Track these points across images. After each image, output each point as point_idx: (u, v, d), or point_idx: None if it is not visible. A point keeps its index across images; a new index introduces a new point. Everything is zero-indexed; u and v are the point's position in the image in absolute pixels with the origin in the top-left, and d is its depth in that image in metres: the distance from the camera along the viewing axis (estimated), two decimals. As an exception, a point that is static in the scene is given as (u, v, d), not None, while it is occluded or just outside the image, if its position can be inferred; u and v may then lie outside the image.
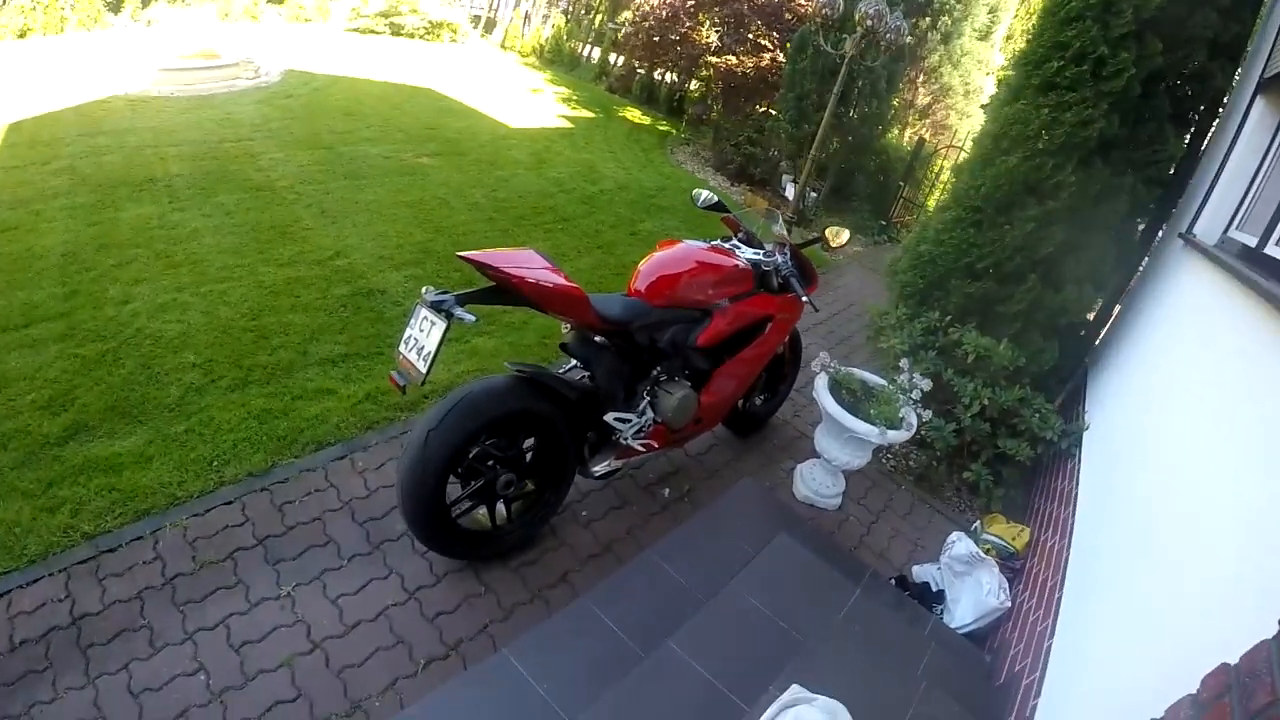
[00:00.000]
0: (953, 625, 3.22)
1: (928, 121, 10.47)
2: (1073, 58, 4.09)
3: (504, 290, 2.48)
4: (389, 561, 2.90)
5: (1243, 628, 1.43)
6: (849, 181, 9.52)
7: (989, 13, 9.70)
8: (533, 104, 11.58)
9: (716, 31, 10.40)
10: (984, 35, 9.91)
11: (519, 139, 9.33)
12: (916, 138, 9.96)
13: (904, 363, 3.61)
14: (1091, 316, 5.06)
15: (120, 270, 4.59)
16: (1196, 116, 4.53)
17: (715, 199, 3.59)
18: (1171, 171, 4.52)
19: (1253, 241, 3.36)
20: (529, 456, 2.92)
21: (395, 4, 14.90)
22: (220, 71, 9.53)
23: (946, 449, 4.20)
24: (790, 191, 8.80)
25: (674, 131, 11.65)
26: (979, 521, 3.89)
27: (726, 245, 3.48)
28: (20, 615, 2.47)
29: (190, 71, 9.30)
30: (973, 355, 4.22)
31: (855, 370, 3.71)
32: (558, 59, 15.47)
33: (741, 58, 9.97)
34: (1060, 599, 2.90)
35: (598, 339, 2.92)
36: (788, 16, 9.68)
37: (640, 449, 3.16)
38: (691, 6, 10.12)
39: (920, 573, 3.53)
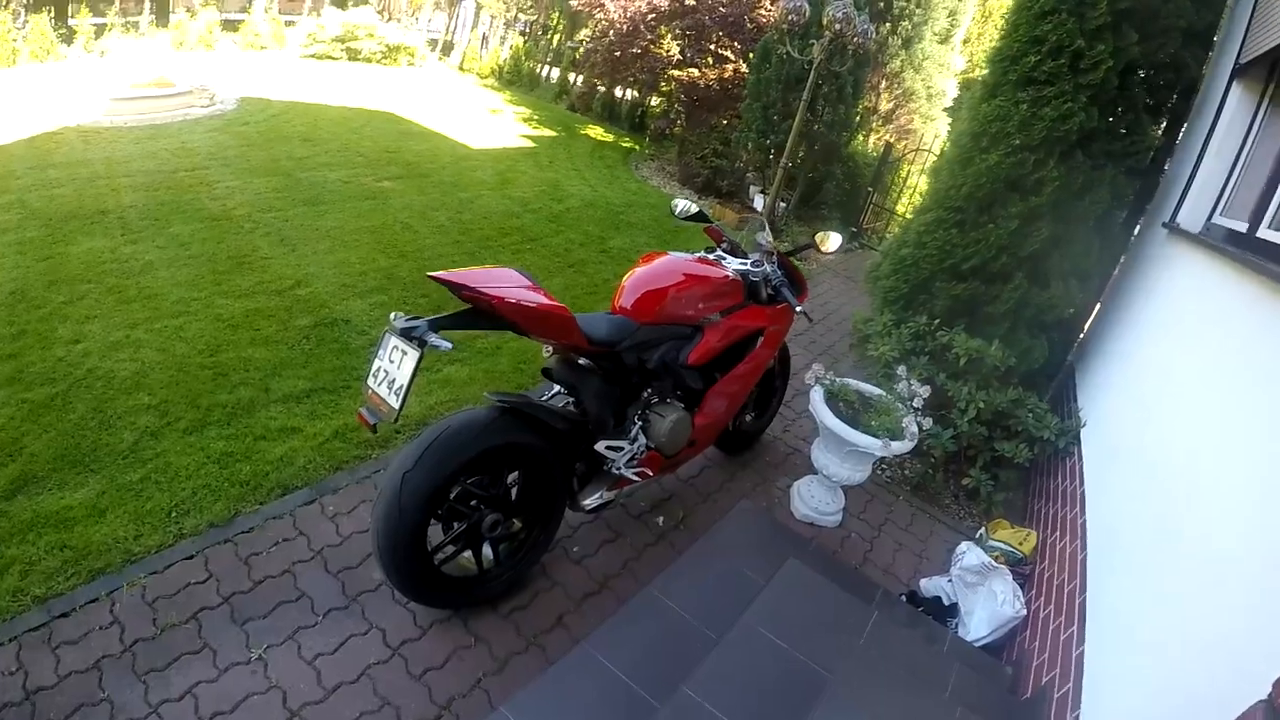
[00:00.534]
0: (969, 638, 3.10)
1: (891, 127, 10.49)
2: (1050, 51, 4.01)
3: (481, 313, 2.28)
4: (368, 615, 2.66)
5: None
6: (817, 190, 9.46)
7: (948, 16, 9.76)
8: (494, 124, 11.43)
9: (678, 44, 10.32)
10: (944, 39, 9.97)
11: (482, 160, 9.16)
12: (883, 143, 9.95)
13: (901, 370, 3.47)
14: (1072, 311, 4.98)
15: (71, 307, 4.33)
16: (1171, 105, 4.49)
17: (695, 208, 3.41)
18: (1149, 161, 4.48)
19: (1240, 227, 3.32)
20: (514, 492, 2.71)
21: (352, 29, 14.69)
22: (174, 100, 9.30)
23: (944, 456, 4.07)
24: (759, 203, 8.62)
25: (637, 147, 11.57)
26: (983, 529, 3.76)
27: (712, 256, 3.32)
28: (-35, 694, 2.20)
29: (143, 100, 9.05)
30: (964, 358, 4.10)
31: (850, 381, 3.56)
32: (517, 79, 15.42)
33: (704, 70, 9.90)
34: (1084, 604, 2.76)
35: (582, 362, 2.72)
36: (749, 26, 9.63)
37: (634, 478, 2.96)
38: (652, 19, 10.03)
39: (929, 586, 3.38)
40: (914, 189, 9.72)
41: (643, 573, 3.07)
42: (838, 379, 3.52)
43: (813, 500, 3.62)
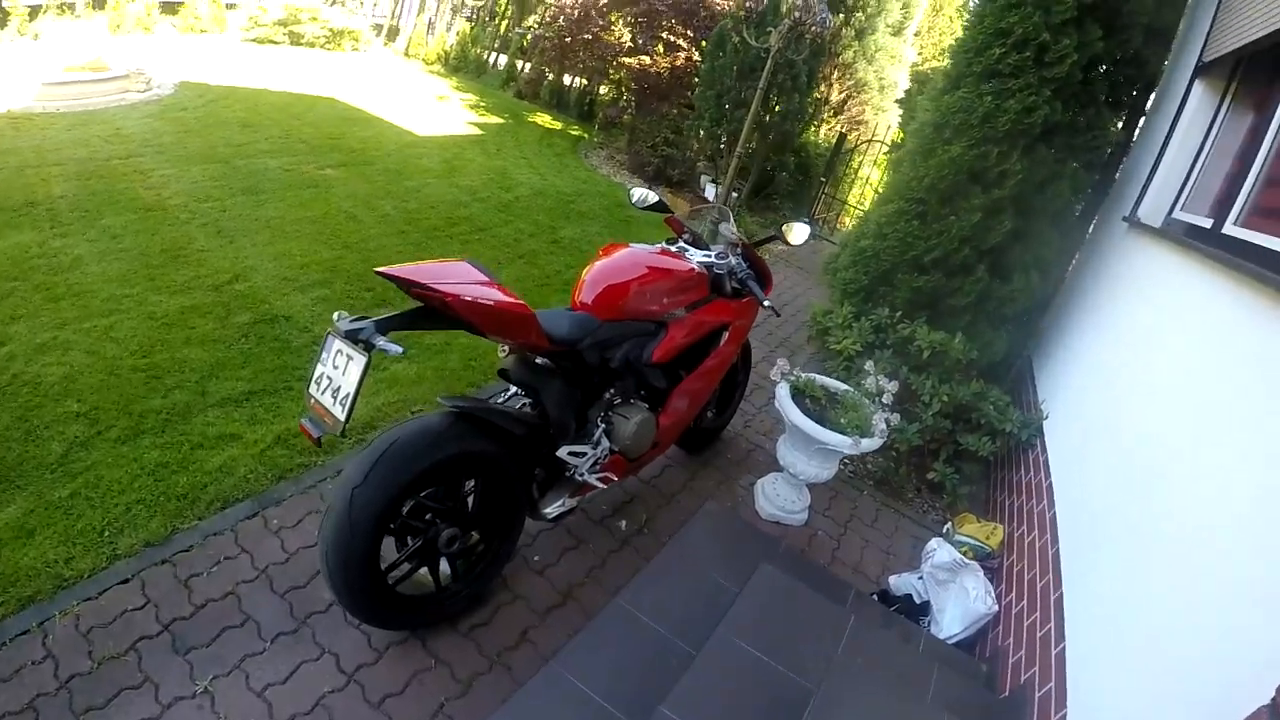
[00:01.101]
0: (942, 636, 3.06)
1: (843, 118, 10.47)
2: (1015, 44, 4.00)
3: (433, 311, 2.10)
4: (319, 639, 2.47)
5: None
6: (769, 180, 9.41)
7: (902, 8, 9.77)
8: (440, 111, 11.12)
9: (629, 31, 10.16)
10: (897, 31, 9.98)
11: (428, 147, 8.87)
12: (836, 134, 9.94)
13: (869, 365, 3.39)
14: (1031, 303, 5.01)
15: None
16: (1131, 100, 4.52)
17: (655, 198, 3.26)
18: (1108, 156, 4.51)
19: (1203, 222, 3.34)
20: (471, 503, 2.54)
21: (294, 12, 14.11)
22: (109, 85, 8.84)
23: (907, 450, 4.03)
24: (710, 192, 8.60)
25: (586, 135, 11.39)
26: (950, 523, 3.73)
27: (674, 249, 3.17)
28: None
29: (77, 85, 8.60)
30: (927, 351, 4.07)
31: (816, 376, 3.47)
32: (463, 66, 15.09)
33: (655, 57, 9.76)
34: (1060, 600, 2.74)
35: (540, 361, 2.56)
36: (702, 14, 9.51)
37: (598, 484, 2.82)
38: (604, 5, 9.84)
39: (899, 584, 3.33)
40: (865, 180, 9.75)
41: (609, 581, 2.94)
42: (803, 374, 3.43)
43: (778, 499, 3.53)
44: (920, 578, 3.28)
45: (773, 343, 5.65)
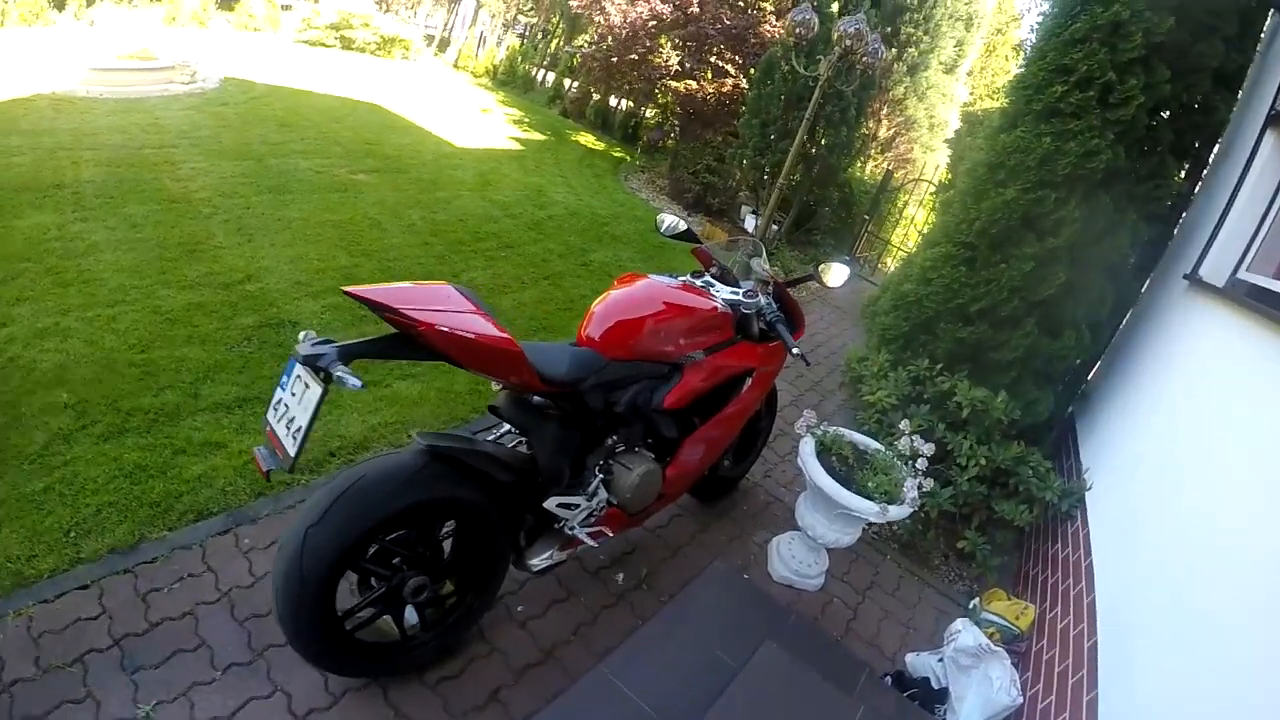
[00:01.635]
0: (958, 728, 2.73)
1: (890, 155, 10.21)
2: (1078, 82, 3.71)
3: (408, 340, 1.88)
4: (274, 674, 2.27)
5: None
6: (811, 215, 9.14)
7: (956, 46, 9.50)
8: (482, 124, 11.09)
9: (677, 54, 10.03)
10: (950, 68, 9.71)
11: (464, 159, 8.78)
12: (884, 171, 9.66)
13: (903, 424, 3.09)
14: (1079, 361, 4.67)
15: (2, 287, 3.97)
16: (1196, 150, 4.20)
17: (683, 226, 3.01)
18: (1169, 208, 4.19)
19: (1270, 284, 3.08)
20: (448, 547, 2.31)
21: (347, 17, 14.33)
22: (154, 74, 9.02)
23: (938, 514, 3.71)
24: (751, 223, 8.37)
25: (628, 158, 11.26)
26: (977, 599, 3.40)
27: (698, 283, 2.89)
28: None
29: (123, 73, 8.79)
30: (967, 408, 3.76)
31: (845, 432, 3.17)
32: (511, 81, 15.15)
33: (702, 82, 9.60)
34: (1095, 701, 2.42)
35: (537, 400, 2.33)
36: (752, 40, 9.33)
37: (588, 541, 2.54)
38: (653, 27, 9.73)
39: (917, 664, 3.02)
40: (910, 220, 9.45)
41: (597, 641, 2.67)
42: (831, 429, 3.14)
43: (794, 561, 3.24)
44: (940, 660, 2.96)
45: (803, 385, 5.36)
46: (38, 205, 5.00)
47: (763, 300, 2.83)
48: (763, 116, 8.13)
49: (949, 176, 9.21)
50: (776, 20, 9.27)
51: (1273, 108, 3.70)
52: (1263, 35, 4.19)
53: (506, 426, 2.44)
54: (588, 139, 11.89)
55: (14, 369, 3.36)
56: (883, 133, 10.00)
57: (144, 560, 2.56)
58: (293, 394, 1.83)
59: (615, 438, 2.54)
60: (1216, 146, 4.37)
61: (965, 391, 3.79)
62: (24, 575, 2.41)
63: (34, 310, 3.82)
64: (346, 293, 1.77)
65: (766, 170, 8.33)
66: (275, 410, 1.88)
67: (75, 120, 6.97)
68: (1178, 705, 2.02)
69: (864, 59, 6.54)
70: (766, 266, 2.97)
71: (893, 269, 8.09)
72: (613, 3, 9.96)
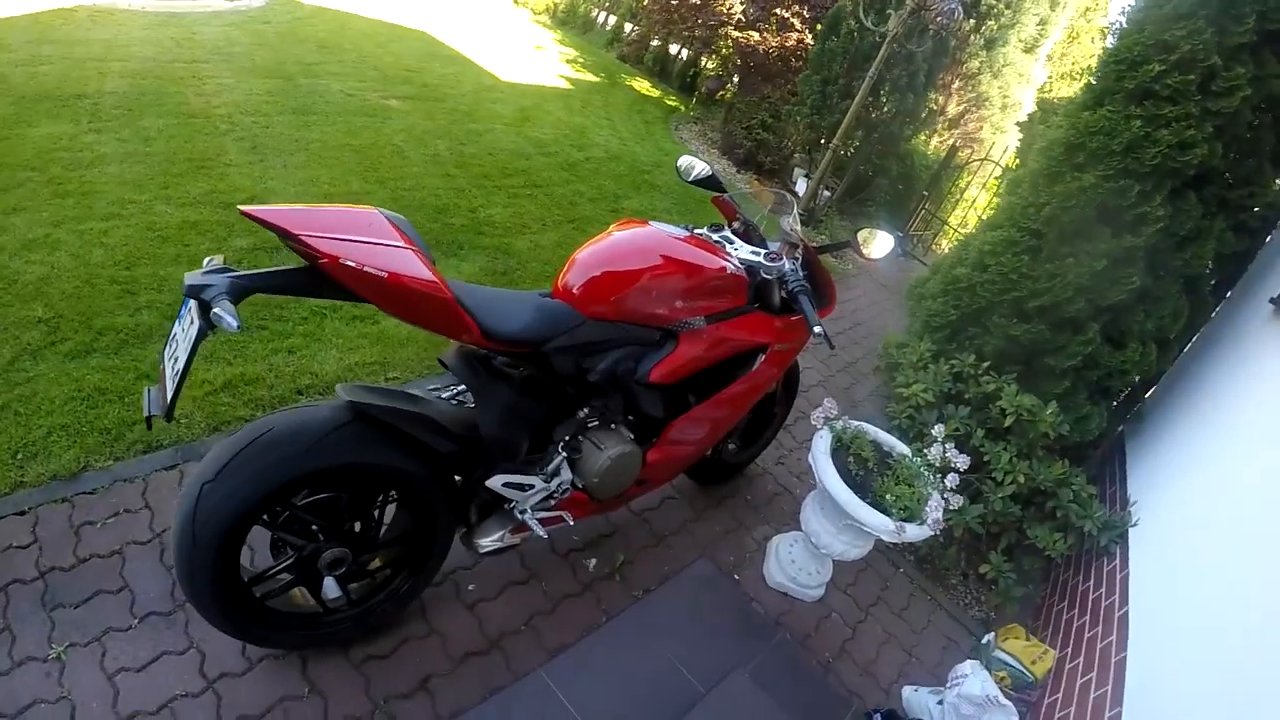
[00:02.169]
0: (951, 782, 2.42)
1: (957, 132, 9.52)
2: (1178, 63, 3.20)
3: (317, 274, 1.55)
4: (191, 630, 2.12)
5: None
6: (867, 184, 8.58)
7: (1038, 24, 8.72)
8: (533, 60, 10.67)
9: (741, 3, 9.44)
10: (1030, 48, 8.94)
11: (507, 93, 8.39)
12: (948, 146, 9.00)
13: (937, 429, 2.68)
14: (1140, 379, 4.19)
15: (2, 196, 3.86)
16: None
17: (708, 171, 2.56)
18: (1260, 220, 3.68)
19: None
20: (384, 515, 2.02)
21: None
22: (199, -12, 8.66)
23: (964, 531, 3.33)
24: (802, 186, 7.87)
25: (682, 108, 10.76)
26: (992, 635, 3.02)
27: (714, 238, 2.44)
28: None
29: None
30: (1010, 417, 3.36)
31: (868, 428, 2.76)
32: (570, 20, 14.66)
33: (765, 34, 9.02)
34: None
35: (501, 358, 2.00)
36: (822, -6, 8.72)
37: (537, 529, 2.20)
38: (718, -31, 9.17)
39: (913, 701, 2.71)
40: (971, 202, 8.85)
41: (550, 636, 2.38)
42: (853, 424, 2.74)
43: (792, 567, 2.90)
44: (940, 701, 2.62)
45: (834, 365, 4.96)
46: (54, 115, 4.86)
47: (787, 265, 2.36)
48: (824, 73, 7.57)
49: (1016, 163, 8.53)
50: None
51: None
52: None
53: (462, 385, 2.11)
54: (642, 85, 11.40)
55: (-3, 279, 3.22)
56: (952, 108, 9.30)
57: (84, 490, 2.46)
58: (182, 329, 1.53)
59: (587, 410, 2.19)
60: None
61: (1011, 397, 3.39)
62: (-35, 497, 2.26)
63: (28, 220, 3.71)
64: (243, 212, 1.45)
65: (824, 132, 7.80)
66: (170, 345, 1.59)
67: (111, 31, 6.80)
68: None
69: (938, 18, 5.96)
70: (797, 227, 2.48)
71: (947, 252, 7.54)
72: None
